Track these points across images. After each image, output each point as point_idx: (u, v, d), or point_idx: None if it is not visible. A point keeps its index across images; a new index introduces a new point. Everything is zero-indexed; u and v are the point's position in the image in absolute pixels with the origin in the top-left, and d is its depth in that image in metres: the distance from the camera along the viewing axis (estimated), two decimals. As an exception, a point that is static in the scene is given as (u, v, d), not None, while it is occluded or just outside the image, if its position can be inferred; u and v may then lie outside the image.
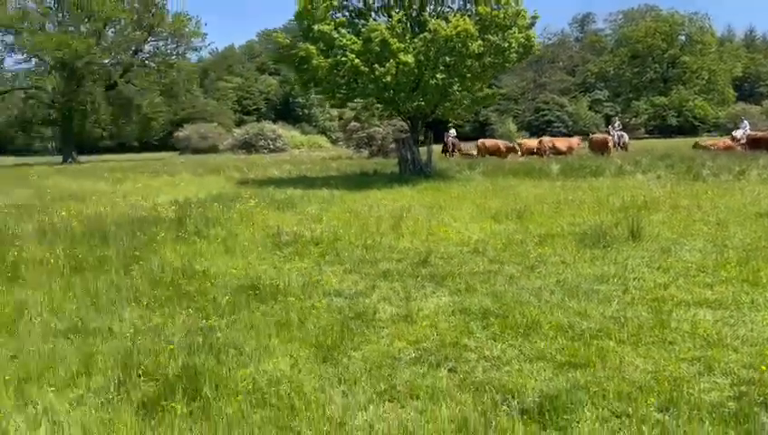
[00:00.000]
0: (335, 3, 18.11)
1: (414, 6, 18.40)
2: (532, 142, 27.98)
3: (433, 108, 19.28)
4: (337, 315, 5.39)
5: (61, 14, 44.61)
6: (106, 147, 66.99)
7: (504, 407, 3.60)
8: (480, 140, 29.02)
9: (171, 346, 4.45)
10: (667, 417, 3.40)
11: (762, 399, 3.53)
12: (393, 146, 33.85)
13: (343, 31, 17.32)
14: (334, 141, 69.03)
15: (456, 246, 8.22)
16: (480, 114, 68.14)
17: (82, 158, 45.60)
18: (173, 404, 3.64)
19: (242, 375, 4.06)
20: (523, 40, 17.59)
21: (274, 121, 63.28)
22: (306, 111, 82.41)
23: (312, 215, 10.92)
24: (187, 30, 46.44)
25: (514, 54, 17.87)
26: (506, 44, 17.32)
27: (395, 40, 16.68)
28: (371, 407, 3.67)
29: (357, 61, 16.65)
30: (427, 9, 18.71)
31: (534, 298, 5.62)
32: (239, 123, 72.19)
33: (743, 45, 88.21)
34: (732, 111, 62.12)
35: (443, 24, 16.56)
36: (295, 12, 18.29)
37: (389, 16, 18.17)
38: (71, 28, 43.47)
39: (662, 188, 13.60)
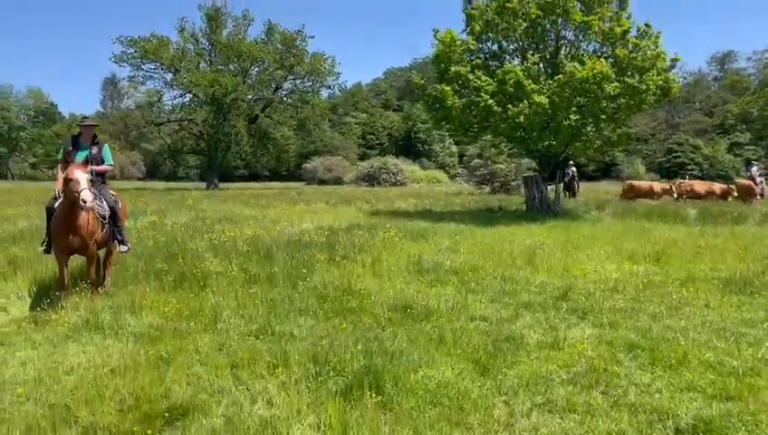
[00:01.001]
0: (472, 47, 18.93)
1: (549, 50, 18.81)
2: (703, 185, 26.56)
3: (564, 147, 19.42)
4: (486, 337, 5.89)
5: (213, 55, 49.34)
6: (240, 175, 72.52)
7: (659, 426, 3.93)
8: (628, 183, 28.20)
9: (357, 347, 5.18)
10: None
11: None
12: (515, 183, 34.08)
13: (478, 73, 18.04)
14: (452, 177, 69.90)
15: (593, 283, 8.46)
16: (606, 154, 66.03)
17: (222, 185, 49.60)
18: (363, 394, 4.32)
19: (414, 378, 4.68)
20: (661, 82, 17.39)
21: (396, 156, 65.32)
22: (426, 147, 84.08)
23: (447, 246, 11.52)
24: (323, 69, 49.57)
25: (652, 97, 17.68)
26: (644, 87, 17.21)
27: (529, 81, 17.16)
28: (534, 414, 4.14)
29: (491, 101, 17.27)
30: (562, 52, 19.02)
31: (681, 336, 5.81)
32: (362, 157, 75.20)
33: None
34: None
35: (578, 66, 16.80)
36: (433, 54, 19.34)
37: (524, 59, 18.67)
38: (221, 67, 47.91)
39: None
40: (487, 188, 35.15)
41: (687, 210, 19.30)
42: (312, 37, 59.02)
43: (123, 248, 8.03)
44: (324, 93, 54.79)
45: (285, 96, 51.44)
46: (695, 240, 12.79)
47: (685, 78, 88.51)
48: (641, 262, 10.10)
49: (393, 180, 52.77)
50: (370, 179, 52.99)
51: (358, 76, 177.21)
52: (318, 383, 4.60)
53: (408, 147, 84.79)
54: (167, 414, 4.05)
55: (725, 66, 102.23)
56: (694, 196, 24.32)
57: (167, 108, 49.89)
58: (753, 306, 7.10)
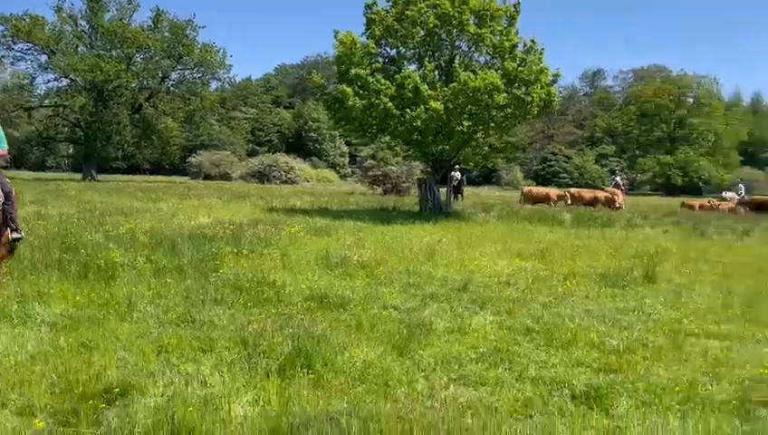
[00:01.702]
0: (372, 51, 19.49)
1: (444, 58, 19.78)
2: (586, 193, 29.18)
3: (456, 152, 20.50)
4: (399, 324, 6.34)
5: (94, 38, 46.48)
6: (117, 167, 68.54)
7: (558, 393, 4.56)
8: (526, 189, 30.57)
9: (284, 332, 5.42)
10: (685, 407, 4.35)
11: (761, 399, 4.48)
12: (406, 184, 35.22)
13: (378, 76, 18.62)
14: (343, 177, 70.58)
15: (488, 277, 9.21)
16: (490, 161, 69.60)
17: (100, 176, 46.85)
18: (295, 373, 4.60)
19: (341, 359, 5.03)
20: (544, 95, 18.87)
21: (287, 154, 64.86)
22: (317, 146, 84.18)
23: (352, 242, 11.92)
24: (213, 60, 48.26)
25: (536, 109, 19.14)
26: (529, 99, 18.60)
27: (426, 87, 17.99)
28: (451, 387, 4.63)
29: (390, 104, 17.91)
30: (456, 61, 20.06)
31: (569, 321, 6.59)
32: (251, 153, 73.92)
33: (750, 111, 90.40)
34: (736, 175, 63.54)
35: (472, 76, 17.86)
36: (334, 55, 19.70)
37: (421, 65, 19.52)
38: (102, 52, 45.24)
39: (670, 242, 14.61)
40: (380, 189, 35.99)
41: (564, 214, 21.05)
42: (204, 27, 57.22)
43: (16, 236, 7.66)
44: (213, 86, 53.32)
45: (173, 86, 49.53)
46: (572, 241, 14.13)
47: (560, 92, 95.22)
48: (528, 259, 11.06)
49: (284, 178, 52.35)
50: (260, 176, 52.24)
51: (247, 71, 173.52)
52: (251, 365, 4.82)
53: (299, 145, 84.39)
54: (105, 394, 4.10)
55: (595, 83, 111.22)
56: (582, 201, 26.70)
57: (39, 92, 46.34)
58: (625, 297, 8.12)
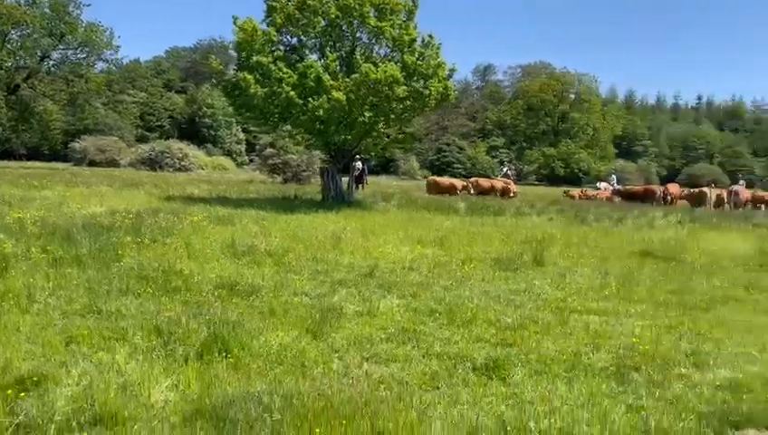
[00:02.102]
0: (273, 38, 19.33)
1: (345, 49, 20.00)
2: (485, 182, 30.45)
3: (357, 142, 20.83)
4: (311, 309, 6.56)
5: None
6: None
7: (461, 366, 4.99)
8: (431, 178, 31.50)
9: (198, 320, 5.48)
10: (570, 374, 4.92)
11: (633, 365, 5.15)
12: (306, 174, 35.19)
13: (280, 64, 18.52)
14: (240, 164, 68.97)
15: (393, 263, 9.61)
16: (389, 151, 70.75)
17: (-34, 162, 42.94)
18: (213, 358, 4.71)
19: (258, 343, 5.18)
20: (442, 89, 19.60)
21: (180, 140, 62.40)
22: (213, 133, 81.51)
23: (257, 231, 11.92)
24: (99, 41, 45.39)
25: (433, 101, 19.84)
26: (427, 92, 19.25)
27: (328, 77, 18.13)
28: (365, 364, 4.93)
29: (292, 93, 17.90)
30: (357, 52, 20.32)
31: (468, 302, 7.10)
32: (140, 139, 70.42)
33: (624, 107, 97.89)
34: (611, 167, 68.83)
35: (373, 67, 18.21)
36: (235, 41, 19.34)
37: (323, 55, 19.63)
38: (-29, 26, 41.32)
39: (555, 229, 15.77)
40: (279, 178, 35.66)
41: (459, 203, 22.01)
42: (89, 5, 53.50)
43: None
44: (98, 67, 50.06)
45: (54, 67, 46.12)
46: (467, 228, 14.90)
47: (455, 86, 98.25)
48: (429, 246, 11.60)
49: (177, 166, 50.41)
50: (152, 164, 49.97)
51: (136, 52, 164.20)
52: (168, 352, 4.86)
53: (193, 131, 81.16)
54: (17, 386, 4.02)
55: (486, 77, 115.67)
56: (481, 190, 28.02)
57: None
58: (517, 279, 8.80)
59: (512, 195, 28.10)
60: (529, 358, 5.23)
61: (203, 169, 55.60)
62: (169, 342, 5.05)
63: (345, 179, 22.03)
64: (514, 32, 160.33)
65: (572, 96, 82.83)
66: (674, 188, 30.71)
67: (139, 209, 14.16)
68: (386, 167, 73.22)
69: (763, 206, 28.05)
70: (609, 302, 7.65)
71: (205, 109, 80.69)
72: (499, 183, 30.13)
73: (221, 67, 20.80)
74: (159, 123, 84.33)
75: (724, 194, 28.86)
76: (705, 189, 29.52)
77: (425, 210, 19.65)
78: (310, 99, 17.94)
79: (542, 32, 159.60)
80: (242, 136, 78.79)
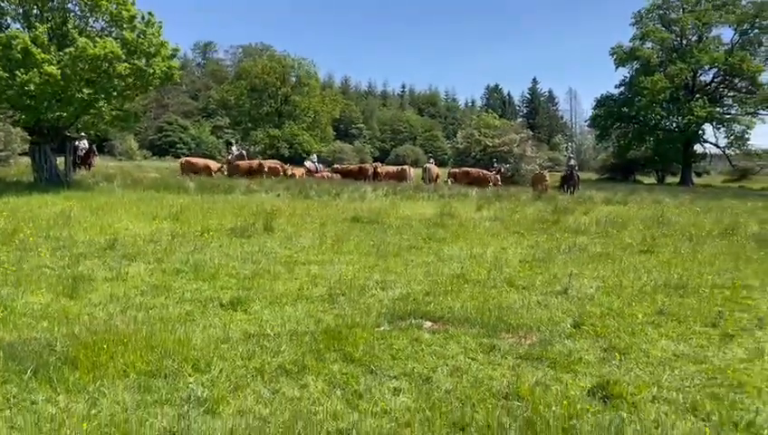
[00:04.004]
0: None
1: (56, 20, 18.76)
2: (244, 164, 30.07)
3: (74, 120, 19.76)
4: (60, 278, 7.02)
5: None
6: None
7: (211, 304, 6.18)
8: (185, 159, 30.01)
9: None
10: (296, 301, 6.48)
11: (341, 292, 6.92)
12: (5, 153, 31.35)
13: (-23, 31, 16.69)
14: None
15: (132, 237, 10.14)
16: (107, 131, 65.46)
17: None
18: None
19: (20, 303, 5.65)
20: (166, 68, 19.72)
21: None
22: None
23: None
24: None
25: (157, 80, 19.86)
26: (151, 70, 19.21)
27: (38, 50, 16.95)
28: (127, 311, 5.79)
29: (-6, 65, 16.35)
30: (70, 24, 19.22)
31: (209, 261, 8.23)
32: None
33: (340, 92, 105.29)
34: (330, 148, 74.20)
35: (90, 43, 17.56)
36: None
37: (29, 25, 18.15)
38: None
39: (282, 203, 17.49)
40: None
41: (188, 183, 22.41)
42: None
43: None
44: None
45: None
46: (200, 205, 15.70)
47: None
48: (165, 221, 12.23)
49: None
50: None
51: None
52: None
53: None
54: None
55: (207, 55, 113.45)
56: (239, 172, 28.29)
57: None
58: (251, 244, 10.14)
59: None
60: (265, 295, 6.65)
61: None
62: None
63: (61, 159, 20.71)
64: (234, 10, 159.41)
65: (293, 79, 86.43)
66: (382, 167, 35.20)
67: None
68: (100, 147, 67.62)
69: (449, 181, 33.94)
70: (326, 255, 9.48)
71: None
72: (268, 163, 30.66)
73: None
74: None
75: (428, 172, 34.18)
76: (406, 167, 34.46)
77: (153, 190, 19.71)
78: (17, 72, 16.59)
79: (259, 11, 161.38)
80: None
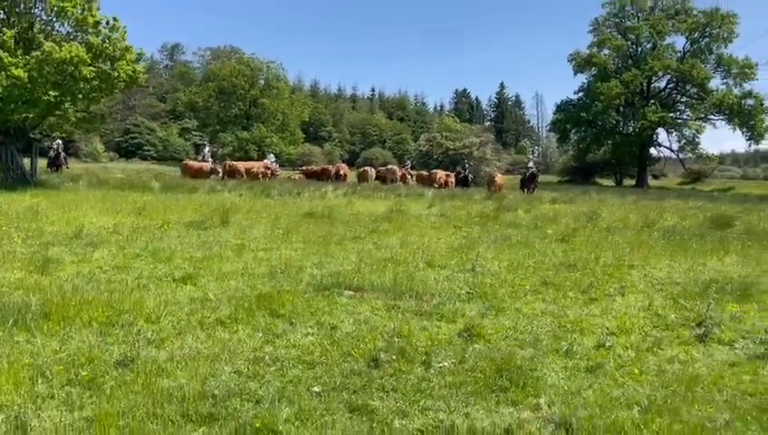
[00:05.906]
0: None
1: (22, 25, 19.45)
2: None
3: (40, 121, 20.44)
4: (31, 261, 7.95)
5: None
6: None
7: (165, 279, 7.20)
8: (185, 162, 30.98)
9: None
10: (239, 277, 7.53)
11: (281, 270, 7.99)
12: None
13: (-56, 35, 17.32)
14: None
15: (97, 229, 11.06)
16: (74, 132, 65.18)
17: None
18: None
19: (-3, 278, 6.60)
20: (131, 72, 20.53)
21: None
22: None
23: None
24: None
25: (122, 83, 20.66)
26: (116, 74, 20.01)
27: (6, 54, 17.65)
28: (91, 283, 6.78)
29: (-38, 67, 17.00)
30: (36, 28, 19.91)
31: (167, 247, 9.23)
32: None
33: (310, 95, 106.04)
34: (300, 151, 74.96)
35: (56, 47, 18.31)
36: None
37: (-4, 29, 18.85)
38: None
39: (243, 202, 18.45)
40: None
41: (153, 182, 23.21)
42: None
43: None
44: None
45: None
46: (163, 202, 16.60)
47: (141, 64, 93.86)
48: (128, 215, 13.15)
49: None
50: None
51: None
52: None
53: None
54: None
55: (174, 57, 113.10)
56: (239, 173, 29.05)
57: None
58: (207, 235, 11.12)
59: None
60: (213, 272, 7.70)
61: None
62: None
63: (27, 160, 21.33)
64: (201, 12, 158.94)
65: (262, 82, 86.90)
66: (345, 169, 36.33)
67: None
68: (65, 148, 67.34)
69: (410, 180, 35.19)
70: (276, 243, 10.53)
71: None
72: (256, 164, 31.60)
73: None
74: None
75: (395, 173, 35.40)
76: (367, 169, 35.65)
77: (118, 189, 20.49)
78: (-16, 74, 17.29)
79: (228, 13, 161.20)
80: None
